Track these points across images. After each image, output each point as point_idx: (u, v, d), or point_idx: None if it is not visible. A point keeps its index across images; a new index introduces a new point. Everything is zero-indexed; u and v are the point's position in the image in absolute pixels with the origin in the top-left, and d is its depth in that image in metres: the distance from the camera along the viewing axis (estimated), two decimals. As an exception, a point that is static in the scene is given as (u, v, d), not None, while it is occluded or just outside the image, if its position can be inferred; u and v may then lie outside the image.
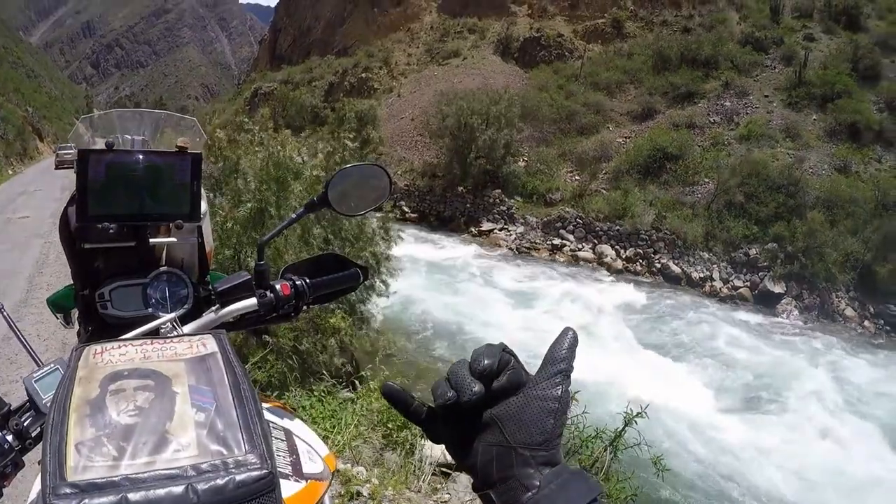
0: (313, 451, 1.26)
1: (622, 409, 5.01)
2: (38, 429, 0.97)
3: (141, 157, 1.24)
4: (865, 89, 26.16)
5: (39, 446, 0.94)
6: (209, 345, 0.79)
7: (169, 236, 1.34)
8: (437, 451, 5.27)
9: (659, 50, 33.05)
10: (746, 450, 10.37)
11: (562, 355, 0.70)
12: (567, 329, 0.72)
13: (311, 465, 1.20)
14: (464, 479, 5.09)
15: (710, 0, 36.19)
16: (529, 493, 0.65)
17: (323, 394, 6.02)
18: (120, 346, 0.77)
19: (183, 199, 1.28)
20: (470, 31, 43.50)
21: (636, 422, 4.90)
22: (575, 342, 0.71)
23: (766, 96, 27.71)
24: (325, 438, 5.04)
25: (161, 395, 0.66)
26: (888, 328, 17.00)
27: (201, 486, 0.55)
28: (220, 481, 0.56)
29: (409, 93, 39.27)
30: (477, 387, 0.68)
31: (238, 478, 0.57)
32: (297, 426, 1.38)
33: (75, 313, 1.38)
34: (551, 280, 19.71)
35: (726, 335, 15.58)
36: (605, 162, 26.85)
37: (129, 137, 1.32)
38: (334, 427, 5.09)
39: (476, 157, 26.47)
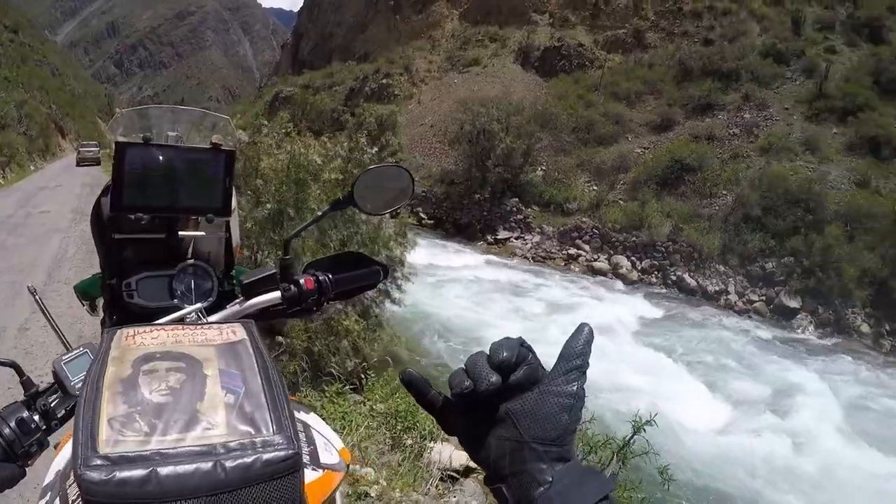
0: (329, 444, 1.26)
1: (632, 418, 4.99)
2: (64, 410, 0.99)
3: (176, 151, 1.27)
4: (886, 102, 25.94)
5: (63, 427, 0.99)
6: (238, 332, 0.81)
7: (198, 230, 1.37)
8: (444, 456, 5.30)
9: (680, 61, 33.00)
10: (754, 464, 10.32)
11: (577, 351, 0.69)
12: (583, 325, 0.72)
13: (327, 456, 1.20)
14: (470, 485, 5.11)
15: (731, 11, 36.04)
16: (542, 489, 0.65)
17: (334, 395, 6.03)
18: (152, 331, 0.79)
19: (215, 195, 1.31)
20: (491, 39, 43.56)
21: (645, 430, 4.87)
22: (591, 338, 0.70)
23: (787, 109, 27.58)
24: (335, 438, 5.12)
25: (192, 376, 0.68)
26: (903, 346, 16.74)
27: (229, 464, 0.57)
28: (247, 459, 0.58)
29: (430, 99, 39.43)
30: (494, 377, 0.67)
31: (265, 457, 0.59)
32: (313, 419, 1.38)
33: (101, 302, 1.40)
34: (565, 289, 19.65)
35: (740, 349, 15.50)
36: (622, 172, 26.81)
37: (165, 133, 1.34)
38: (344, 428, 5.11)
39: (494, 164, 26.46)
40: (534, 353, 0.70)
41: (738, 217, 21.55)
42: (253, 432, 0.61)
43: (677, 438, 10.23)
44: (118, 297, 1.28)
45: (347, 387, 6.56)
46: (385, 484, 4.30)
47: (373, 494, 4.12)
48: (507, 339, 0.70)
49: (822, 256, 18.70)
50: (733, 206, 22.18)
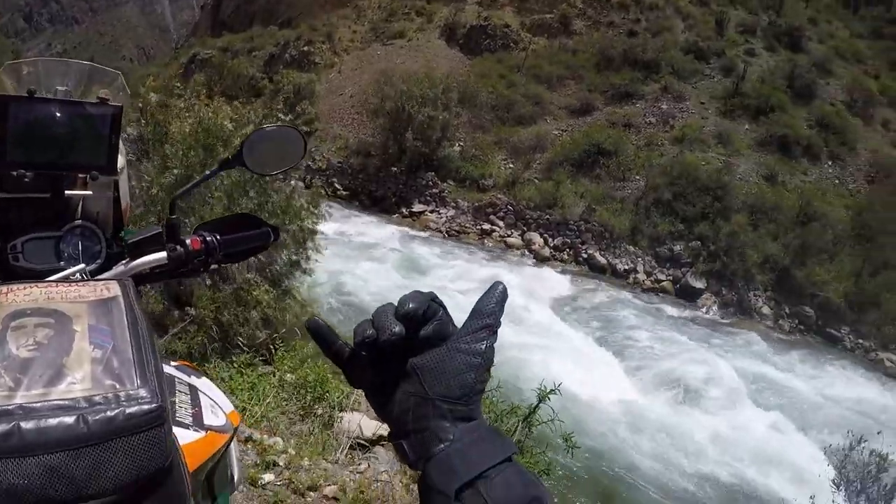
0: (217, 406, 1.29)
1: (537, 387, 5.08)
2: None
3: (61, 105, 1.24)
4: (798, 106, 27.13)
5: None
6: (113, 289, 0.78)
7: (85, 189, 1.34)
8: (354, 425, 5.44)
9: (603, 49, 33.32)
10: (654, 431, 10.67)
11: (489, 309, 0.67)
12: (497, 283, 0.70)
13: (212, 418, 1.22)
14: (381, 453, 5.31)
15: (657, 6, 36.66)
16: (442, 445, 0.63)
17: (243, 366, 6.10)
18: (24, 288, 0.76)
19: (100, 151, 1.27)
20: (418, 13, 42.87)
21: (549, 398, 4.97)
22: (504, 297, 0.69)
23: (703, 103, 28.27)
24: (242, 410, 5.11)
25: (61, 332, 0.66)
26: (802, 327, 17.89)
27: (92, 417, 0.56)
28: (110, 413, 0.57)
29: (351, 70, 38.55)
30: (398, 328, 0.65)
31: (128, 410, 0.57)
32: (202, 383, 1.39)
33: None
34: (477, 263, 19.65)
35: (645, 324, 15.87)
36: (539, 152, 26.82)
37: (54, 87, 1.31)
38: (252, 399, 5.19)
39: (413, 138, 26.07)
40: (445, 309, 0.69)
41: (650, 201, 22.05)
42: (118, 386, 0.61)
43: (582, 407, 10.55)
44: (3, 261, 1.25)
45: (258, 358, 6.66)
46: (293, 453, 4.40)
47: (281, 463, 4.20)
48: (417, 291, 0.69)
49: (727, 242, 19.45)
50: (645, 191, 22.69)
